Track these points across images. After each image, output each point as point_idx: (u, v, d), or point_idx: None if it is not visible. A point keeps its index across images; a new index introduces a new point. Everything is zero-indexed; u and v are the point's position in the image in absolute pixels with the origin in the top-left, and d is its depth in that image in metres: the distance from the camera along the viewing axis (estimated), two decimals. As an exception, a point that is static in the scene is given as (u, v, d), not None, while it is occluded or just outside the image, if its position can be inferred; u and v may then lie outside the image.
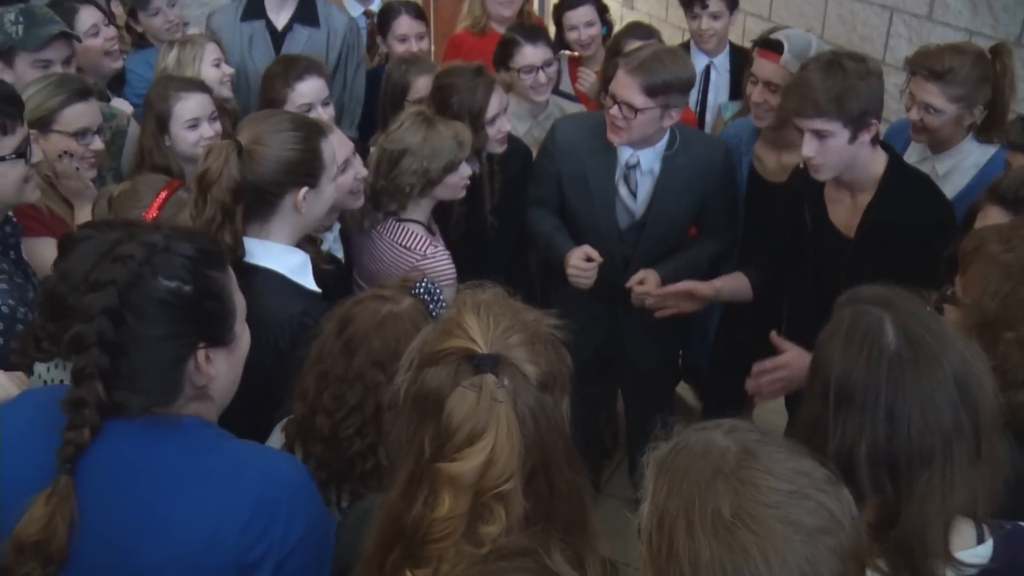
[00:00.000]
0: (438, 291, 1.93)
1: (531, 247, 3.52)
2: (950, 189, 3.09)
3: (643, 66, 2.97)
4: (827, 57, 2.69)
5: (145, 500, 1.44)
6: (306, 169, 2.30)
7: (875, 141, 2.71)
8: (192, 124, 3.07)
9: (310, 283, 2.36)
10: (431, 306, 1.90)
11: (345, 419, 1.83)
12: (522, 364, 1.36)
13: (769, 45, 3.29)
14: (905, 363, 1.48)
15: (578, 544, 1.30)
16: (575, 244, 3.20)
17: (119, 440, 1.47)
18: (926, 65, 3.01)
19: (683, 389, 4.51)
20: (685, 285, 3.06)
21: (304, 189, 2.29)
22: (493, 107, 3.13)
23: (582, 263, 3.12)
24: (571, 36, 4.27)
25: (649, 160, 3.18)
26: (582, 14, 4.27)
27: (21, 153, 2.30)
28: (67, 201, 2.87)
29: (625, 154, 3.18)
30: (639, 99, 2.97)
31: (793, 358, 2.49)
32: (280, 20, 3.81)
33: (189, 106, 3.07)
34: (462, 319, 1.40)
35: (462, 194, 3.03)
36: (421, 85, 3.45)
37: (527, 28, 3.68)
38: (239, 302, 1.63)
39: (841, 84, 2.58)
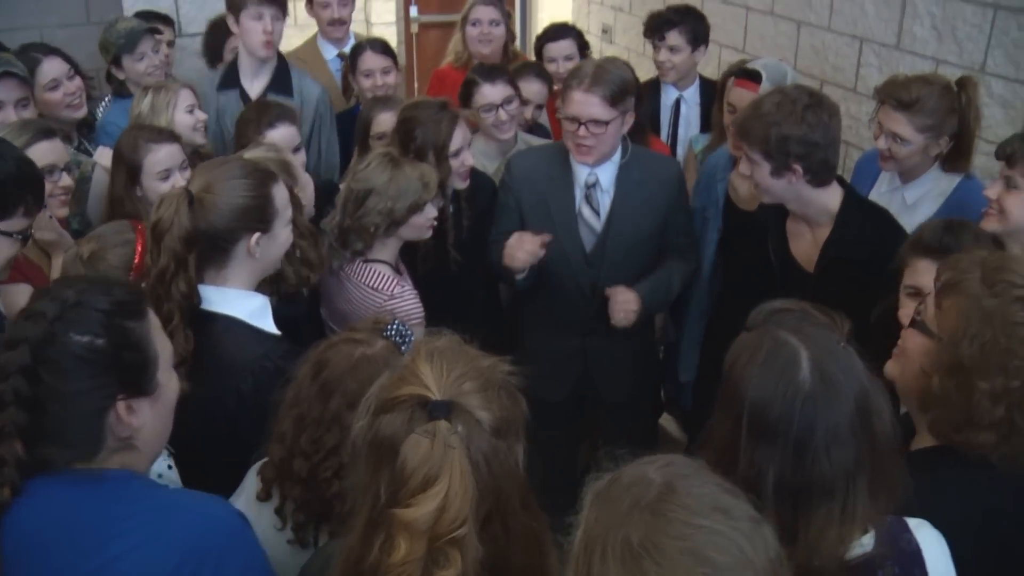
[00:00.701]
0: (409, 332, 1.95)
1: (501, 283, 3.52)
2: (919, 217, 3.10)
3: (596, 79, 3.00)
4: (784, 90, 2.73)
5: (70, 558, 1.45)
6: (258, 215, 2.31)
7: (819, 183, 2.71)
8: (164, 175, 3.06)
9: (270, 326, 2.37)
10: (403, 347, 1.91)
11: (323, 461, 1.85)
12: (475, 411, 1.38)
13: (748, 75, 3.35)
14: (818, 401, 1.52)
15: None
16: (539, 278, 3.22)
17: (42, 498, 1.47)
18: (894, 95, 3.03)
19: (667, 421, 4.49)
20: None
21: (257, 235, 2.31)
22: (456, 141, 3.16)
23: (526, 236, 3.12)
24: (551, 68, 4.30)
25: (608, 176, 3.21)
26: (562, 47, 4.32)
27: (25, 237, 2.35)
28: (44, 248, 2.88)
29: (583, 173, 3.19)
30: (604, 112, 3.01)
31: None
32: (254, 89, 3.86)
33: (159, 157, 3.06)
34: (416, 366, 1.42)
35: (428, 235, 3.04)
36: (383, 120, 3.50)
37: (486, 68, 3.71)
38: (163, 350, 1.63)
39: (771, 119, 2.62)
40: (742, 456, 1.54)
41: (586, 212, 3.23)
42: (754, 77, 3.29)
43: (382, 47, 4.18)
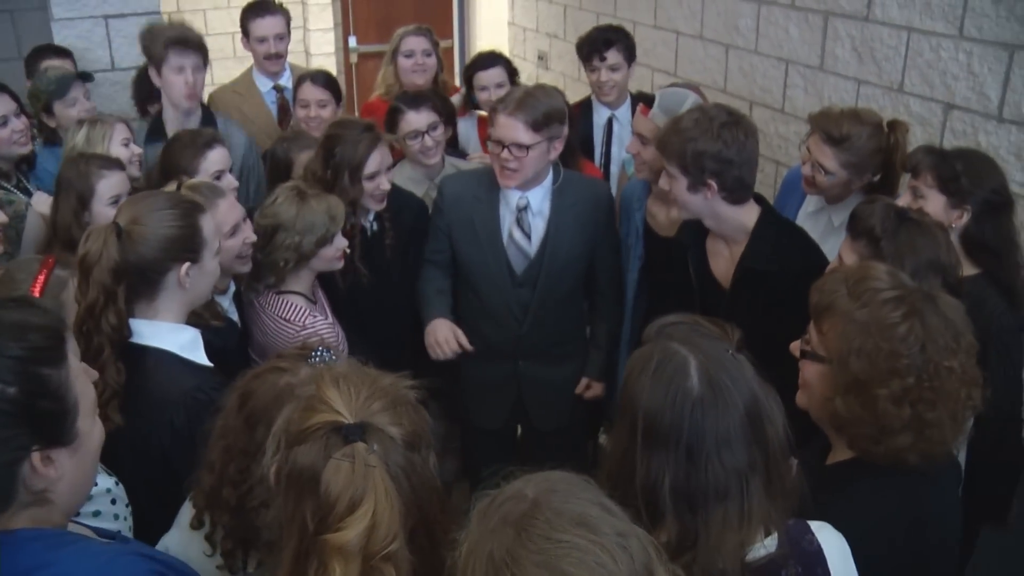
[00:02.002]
0: (335, 359, 1.95)
1: None
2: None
3: (521, 104, 3.06)
4: (703, 107, 2.79)
5: None
6: (186, 245, 2.32)
7: (735, 200, 2.76)
8: (114, 201, 3.04)
9: (201, 358, 2.37)
10: None
11: (251, 491, 1.83)
12: (387, 428, 1.41)
13: (644, 100, 3.42)
14: (706, 407, 1.56)
15: None
16: (452, 313, 3.30)
17: None
18: (825, 128, 3.10)
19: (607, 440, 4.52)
20: None
21: (186, 265, 2.31)
22: (373, 163, 3.17)
23: (450, 339, 3.22)
24: (482, 96, 4.34)
25: (538, 200, 3.24)
26: (492, 75, 4.35)
27: None
28: None
29: (514, 197, 3.23)
30: (526, 136, 3.05)
31: None
32: None
33: (111, 183, 3.07)
34: (323, 394, 1.44)
35: (338, 265, 3.07)
36: (305, 158, 3.48)
37: (411, 95, 3.75)
38: (84, 396, 1.53)
39: (688, 134, 2.68)
40: (639, 465, 1.57)
41: (517, 235, 3.27)
42: (648, 102, 3.37)
43: (324, 80, 4.20)
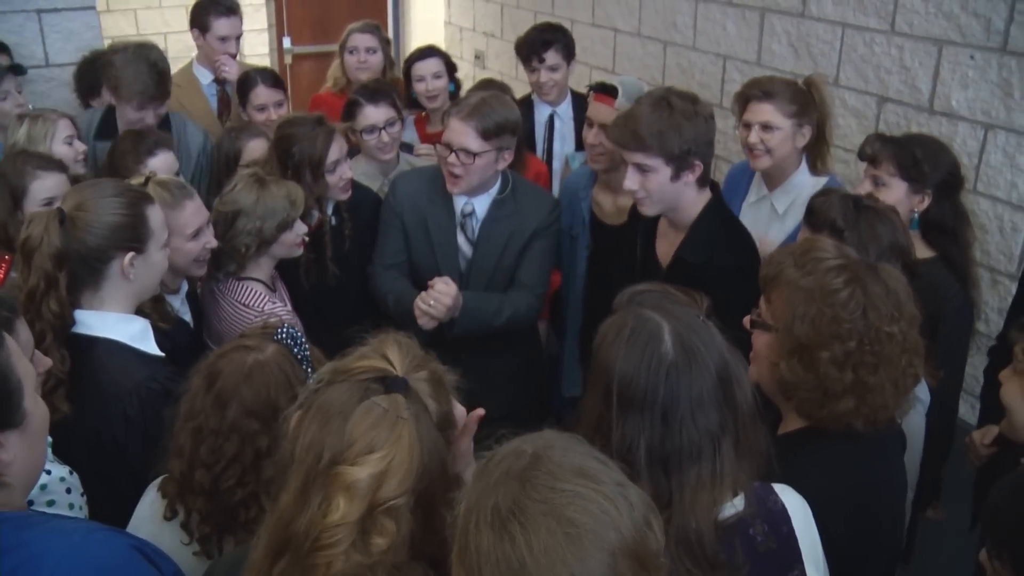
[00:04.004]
0: (300, 335, 1.94)
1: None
2: (790, 225, 3.24)
3: (474, 111, 3.05)
4: (659, 94, 2.80)
5: None
6: (130, 234, 2.29)
7: (703, 182, 2.81)
8: (47, 203, 2.96)
9: (152, 348, 2.34)
10: (295, 350, 1.91)
11: (224, 471, 1.83)
12: (426, 398, 1.44)
13: (604, 89, 3.44)
14: (680, 370, 1.60)
15: (408, 570, 1.37)
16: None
17: None
18: (756, 88, 3.19)
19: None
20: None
21: (130, 255, 2.28)
22: (333, 154, 3.17)
23: (441, 287, 3.05)
24: (419, 88, 4.36)
25: (483, 206, 3.24)
26: (429, 65, 4.37)
27: None
28: None
29: (460, 202, 3.23)
30: (475, 143, 3.04)
31: None
32: None
33: (46, 185, 2.98)
34: (384, 347, 1.48)
35: (298, 252, 3.06)
36: (253, 147, 3.48)
37: (370, 89, 3.72)
38: (26, 375, 1.51)
39: (666, 121, 2.68)
40: (614, 429, 1.61)
41: (461, 240, 3.28)
42: (610, 91, 3.40)
43: (273, 80, 4.17)
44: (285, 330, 1.92)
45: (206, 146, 3.92)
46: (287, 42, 7.93)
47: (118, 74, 3.66)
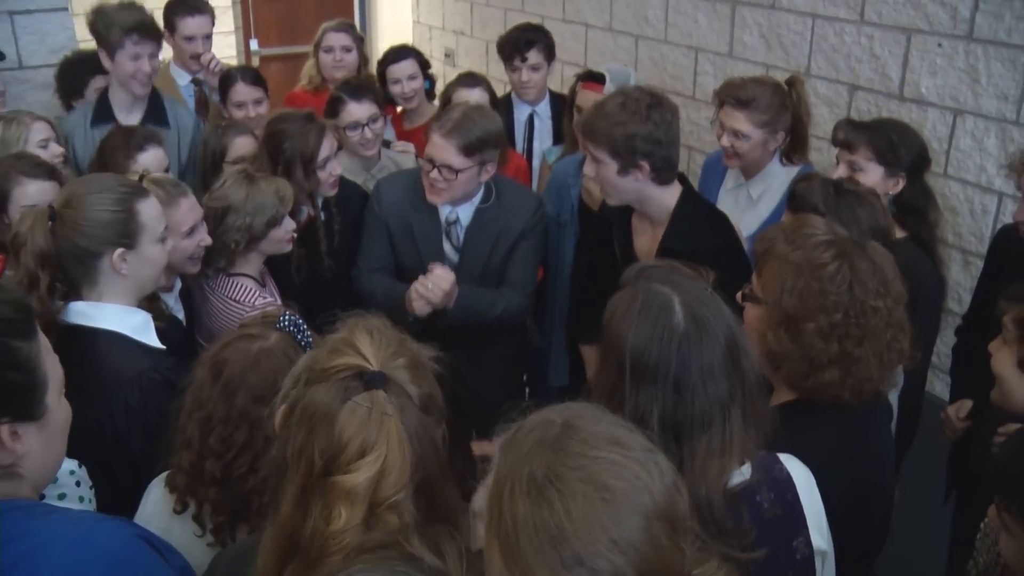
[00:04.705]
0: (302, 322, 1.95)
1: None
2: (764, 211, 3.34)
3: (456, 127, 3.05)
4: (626, 90, 2.84)
5: None
6: (120, 230, 2.28)
7: (662, 181, 2.81)
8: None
9: (154, 341, 2.35)
10: (298, 337, 1.92)
11: (236, 459, 1.84)
12: (406, 385, 1.44)
13: (592, 77, 3.51)
14: (691, 340, 1.67)
15: (433, 533, 1.38)
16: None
17: None
18: (732, 95, 3.27)
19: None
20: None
21: (120, 251, 2.27)
22: (324, 151, 3.19)
23: (440, 272, 3.07)
24: (395, 90, 4.38)
25: (467, 215, 3.27)
26: (404, 67, 4.39)
27: None
28: None
29: (444, 211, 3.26)
30: (457, 160, 3.06)
31: None
32: (130, 122, 3.78)
33: (28, 192, 2.91)
34: (354, 339, 1.47)
35: (287, 248, 3.06)
36: (239, 144, 3.49)
37: (353, 86, 3.73)
38: (53, 373, 1.52)
39: (617, 118, 2.71)
40: (627, 400, 1.66)
41: (447, 247, 3.31)
42: (598, 79, 3.47)
43: (253, 77, 4.19)
44: (288, 317, 1.93)
45: (200, 128, 3.92)
46: (254, 44, 7.90)
47: (110, 16, 3.69)
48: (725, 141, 3.32)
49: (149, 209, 2.36)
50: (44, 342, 1.53)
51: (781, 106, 3.26)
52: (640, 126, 2.70)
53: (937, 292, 2.91)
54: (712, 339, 1.68)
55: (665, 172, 2.80)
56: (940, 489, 3.09)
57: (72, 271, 2.26)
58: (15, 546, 1.38)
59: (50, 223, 2.23)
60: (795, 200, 2.65)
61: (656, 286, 1.73)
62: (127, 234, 2.29)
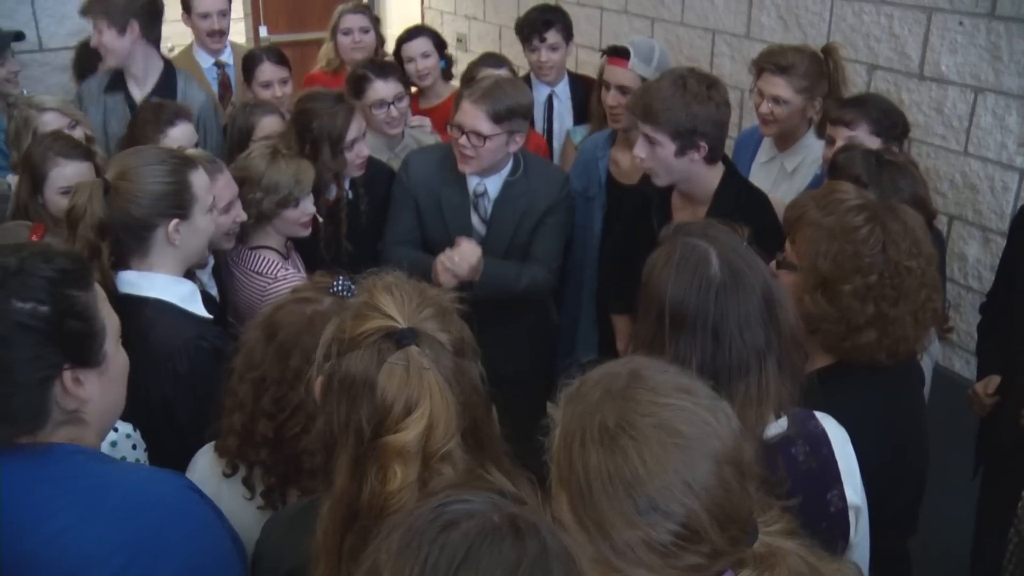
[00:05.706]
0: (354, 289, 1.93)
1: None
2: (799, 182, 3.39)
3: (487, 95, 3.09)
4: (680, 72, 2.89)
5: (9, 535, 1.38)
6: (174, 201, 2.32)
7: (712, 160, 2.88)
8: (65, 191, 2.89)
9: (201, 311, 2.38)
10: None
11: (289, 419, 1.85)
12: (437, 334, 1.46)
13: (617, 52, 3.54)
14: (728, 290, 1.72)
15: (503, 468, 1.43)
16: None
17: None
18: (772, 62, 3.34)
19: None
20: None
21: (175, 221, 2.31)
22: (352, 132, 3.20)
23: (467, 245, 3.10)
24: (409, 68, 4.40)
25: (495, 187, 3.30)
26: (418, 45, 4.43)
27: None
28: None
29: (473, 182, 3.29)
30: (486, 126, 3.09)
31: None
32: (139, 94, 3.83)
33: (65, 173, 2.94)
34: (376, 300, 1.48)
35: (304, 232, 3.05)
36: (266, 124, 3.50)
37: (378, 64, 3.76)
38: (110, 322, 1.59)
39: (678, 100, 2.76)
40: (667, 350, 1.71)
41: (474, 219, 3.33)
42: (623, 54, 3.49)
43: (278, 57, 4.23)
44: (341, 282, 1.94)
45: (209, 106, 3.92)
46: (263, 31, 7.89)
47: None
48: (764, 108, 3.37)
49: (199, 180, 2.40)
50: (100, 292, 1.60)
51: (819, 73, 3.32)
52: (702, 108, 2.76)
53: (939, 250, 2.95)
54: (748, 289, 1.72)
55: (717, 151, 2.88)
56: (964, 467, 3.11)
57: (124, 242, 2.29)
58: (80, 482, 1.46)
59: (104, 195, 2.25)
60: (836, 170, 2.67)
61: (693, 240, 1.78)
62: (181, 205, 2.33)
